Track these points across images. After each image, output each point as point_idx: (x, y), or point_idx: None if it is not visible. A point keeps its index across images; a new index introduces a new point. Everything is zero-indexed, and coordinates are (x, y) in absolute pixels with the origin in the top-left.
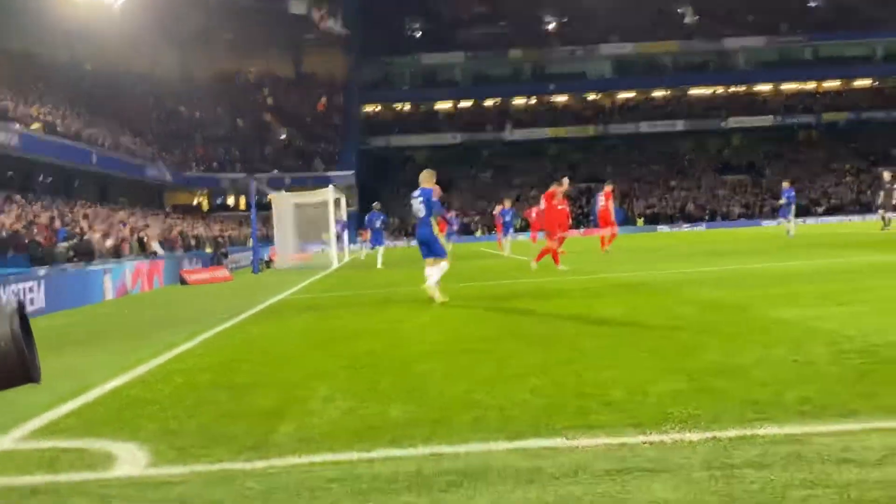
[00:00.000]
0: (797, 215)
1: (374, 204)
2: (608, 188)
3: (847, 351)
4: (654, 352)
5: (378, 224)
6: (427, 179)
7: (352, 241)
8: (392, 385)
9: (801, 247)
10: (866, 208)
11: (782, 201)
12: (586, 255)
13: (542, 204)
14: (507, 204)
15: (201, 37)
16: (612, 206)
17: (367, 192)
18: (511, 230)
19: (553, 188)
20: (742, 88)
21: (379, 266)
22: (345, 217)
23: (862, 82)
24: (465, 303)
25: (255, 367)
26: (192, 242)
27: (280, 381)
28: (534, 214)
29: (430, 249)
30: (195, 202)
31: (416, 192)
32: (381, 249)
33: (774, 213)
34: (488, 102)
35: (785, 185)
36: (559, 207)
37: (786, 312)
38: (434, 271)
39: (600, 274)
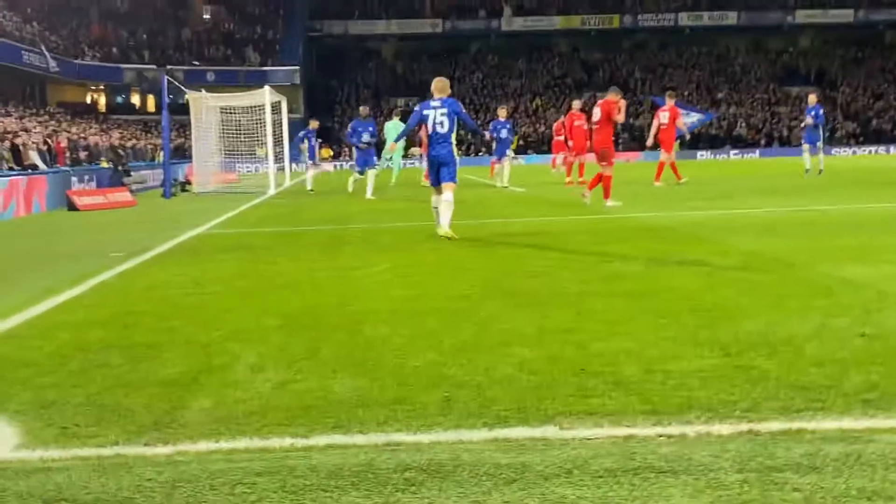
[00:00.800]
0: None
1: (360, 109)
2: (671, 101)
3: None
4: (679, 318)
5: (366, 137)
6: (444, 88)
7: (294, 158)
8: (338, 352)
9: (878, 185)
10: None
11: (808, 121)
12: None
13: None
14: (502, 115)
15: None
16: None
17: (316, 93)
18: (508, 151)
19: (612, 97)
20: None
21: (369, 195)
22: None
23: None
24: (435, 247)
25: (160, 322)
26: (84, 154)
27: (193, 341)
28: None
29: (448, 172)
30: (88, 100)
31: (436, 102)
32: (370, 173)
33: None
34: None
35: (812, 99)
36: (577, 125)
37: (853, 270)
38: (446, 204)
39: (616, 213)
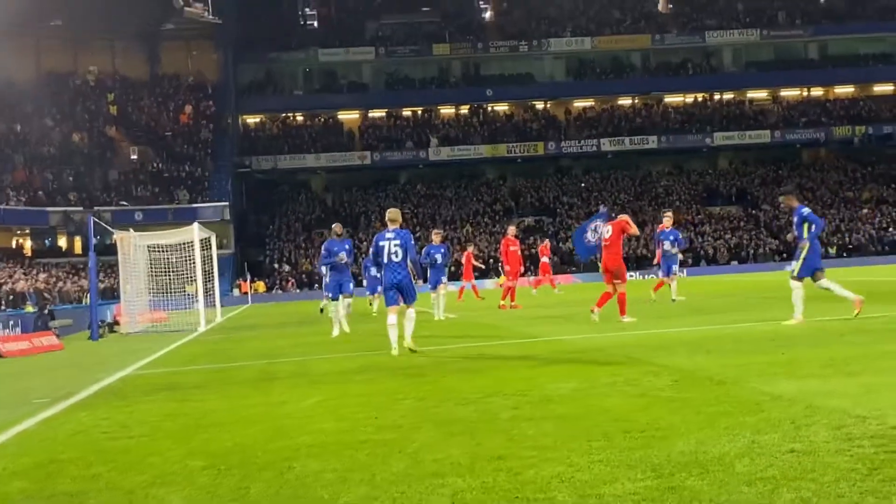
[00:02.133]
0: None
1: (334, 227)
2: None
3: (857, 437)
4: (611, 440)
5: (343, 256)
6: (396, 219)
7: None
8: (267, 491)
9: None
10: (891, 248)
11: (666, 246)
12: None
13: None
14: (437, 239)
15: (23, 24)
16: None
17: (246, 228)
18: (443, 277)
19: (623, 217)
20: (730, 96)
21: (345, 328)
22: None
23: (882, 88)
24: (368, 378)
25: (84, 469)
26: (9, 299)
27: (117, 488)
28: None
29: (406, 295)
30: (13, 245)
31: (390, 233)
32: (344, 301)
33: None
34: (407, 112)
35: (666, 220)
36: (512, 250)
37: (781, 386)
38: (410, 320)
39: (548, 337)
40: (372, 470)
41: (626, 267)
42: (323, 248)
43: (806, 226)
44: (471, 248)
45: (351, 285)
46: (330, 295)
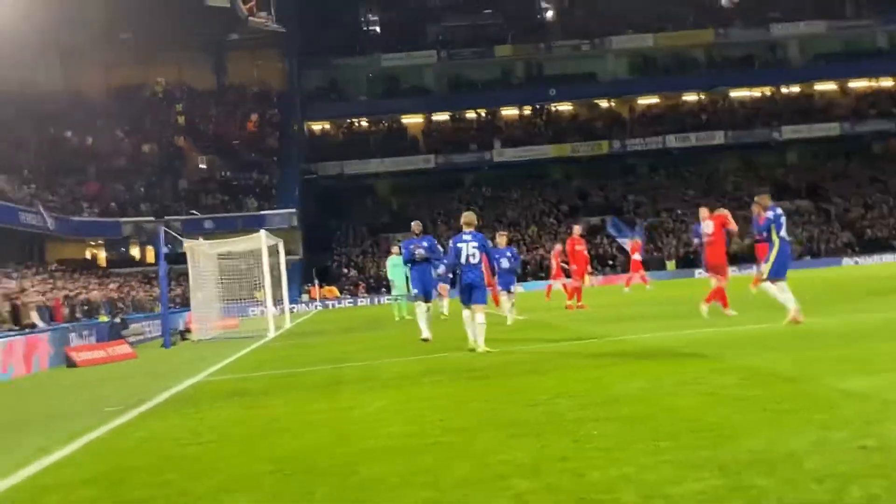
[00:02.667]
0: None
1: (413, 225)
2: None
3: None
4: (678, 440)
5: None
6: (472, 222)
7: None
8: (331, 496)
9: (878, 293)
10: None
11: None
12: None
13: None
14: (502, 241)
15: (93, 40)
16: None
17: (313, 234)
18: (513, 281)
19: (721, 211)
20: (798, 89)
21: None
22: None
23: None
24: (434, 381)
25: (154, 476)
26: (84, 309)
27: (186, 493)
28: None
29: (478, 296)
30: (87, 256)
31: (467, 236)
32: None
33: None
34: (470, 114)
35: (703, 214)
36: (578, 249)
37: (854, 381)
38: (480, 326)
39: (614, 336)
40: (436, 473)
41: (727, 263)
42: (402, 247)
43: (773, 227)
44: (559, 247)
45: (434, 290)
46: (416, 292)
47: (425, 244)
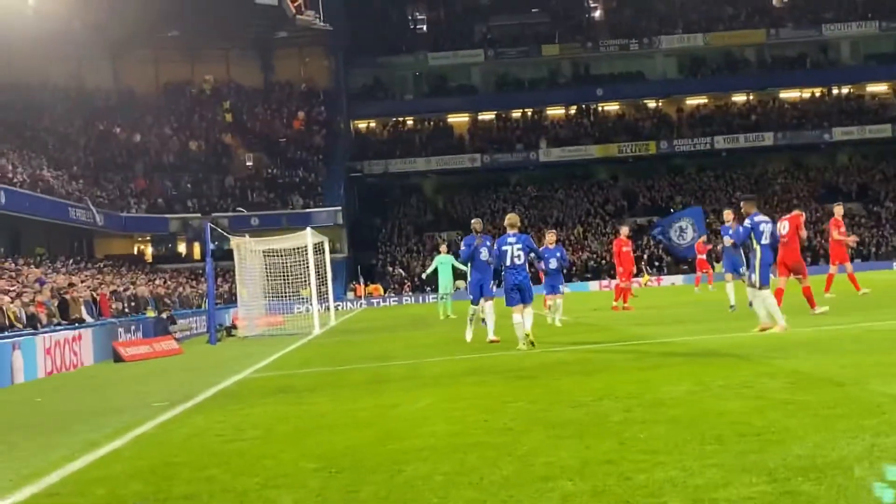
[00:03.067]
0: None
1: (473, 222)
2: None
3: None
4: (725, 443)
5: (484, 254)
6: (515, 223)
7: (339, 297)
8: (377, 494)
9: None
10: None
11: (726, 241)
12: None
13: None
14: (551, 240)
15: (141, 37)
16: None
17: (358, 232)
18: (560, 281)
19: (797, 214)
20: (848, 90)
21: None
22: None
23: None
24: (478, 381)
25: (199, 472)
26: (131, 304)
27: (230, 490)
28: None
29: (526, 295)
30: (135, 251)
31: (512, 238)
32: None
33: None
34: (516, 114)
35: (727, 216)
36: (625, 251)
37: None
38: (529, 314)
39: (660, 338)
40: (481, 473)
41: (804, 262)
42: (462, 243)
43: (752, 235)
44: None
45: (492, 286)
46: (471, 298)
47: (487, 244)
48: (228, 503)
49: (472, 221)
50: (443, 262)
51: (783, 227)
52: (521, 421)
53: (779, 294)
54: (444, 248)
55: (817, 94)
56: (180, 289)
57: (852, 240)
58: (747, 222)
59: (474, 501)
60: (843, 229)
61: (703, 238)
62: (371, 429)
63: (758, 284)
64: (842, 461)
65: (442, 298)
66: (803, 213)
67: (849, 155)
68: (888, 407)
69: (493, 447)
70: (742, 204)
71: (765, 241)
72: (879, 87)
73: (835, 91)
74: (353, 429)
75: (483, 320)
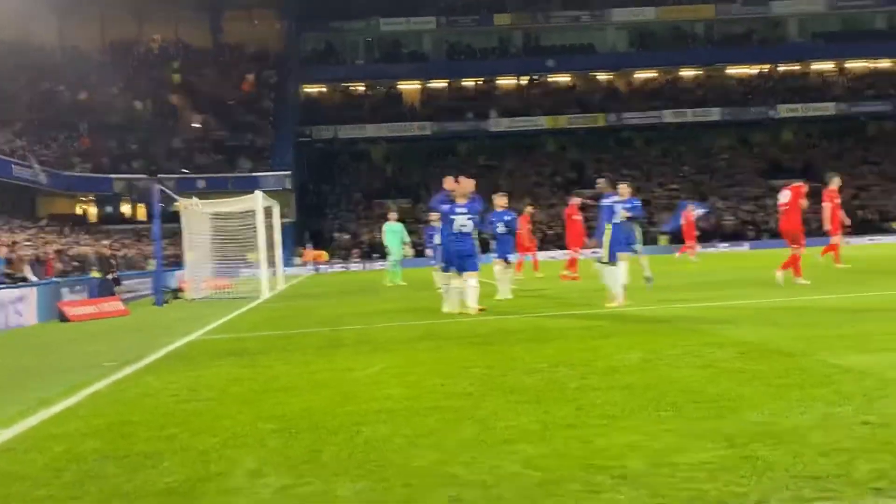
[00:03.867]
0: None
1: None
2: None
3: None
4: (680, 410)
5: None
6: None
7: (287, 262)
8: (339, 455)
9: (874, 273)
10: None
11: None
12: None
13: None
14: (500, 203)
15: None
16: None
17: (306, 197)
18: (509, 248)
19: (800, 185)
20: (795, 67)
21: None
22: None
23: None
24: (433, 346)
25: (156, 431)
26: (75, 265)
27: (190, 449)
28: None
29: (472, 263)
30: (79, 211)
31: (462, 208)
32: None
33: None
34: (467, 83)
35: (623, 191)
36: (574, 219)
37: (854, 359)
38: (473, 289)
39: (612, 308)
40: (442, 436)
41: (803, 232)
42: (436, 207)
43: (603, 213)
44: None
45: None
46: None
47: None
48: (189, 462)
49: (448, 179)
50: (392, 230)
51: (784, 195)
52: (479, 386)
53: (794, 261)
54: (392, 215)
55: (764, 71)
56: (125, 250)
57: (840, 217)
58: (604, 202)
59: (437, 462)
60: (837, 201)
61: (690, 207)
62: (328, 391)
63: (605, 259)
64: (797, 428)
65: (392, 266)
66: (805, 185)
67: (793, 132)
68: (837, 377)
69: (453, 411)
70: (602, 183)
71: (616, 219)
72: (825, 66)
73: (781, 68)
74: (308, 391)
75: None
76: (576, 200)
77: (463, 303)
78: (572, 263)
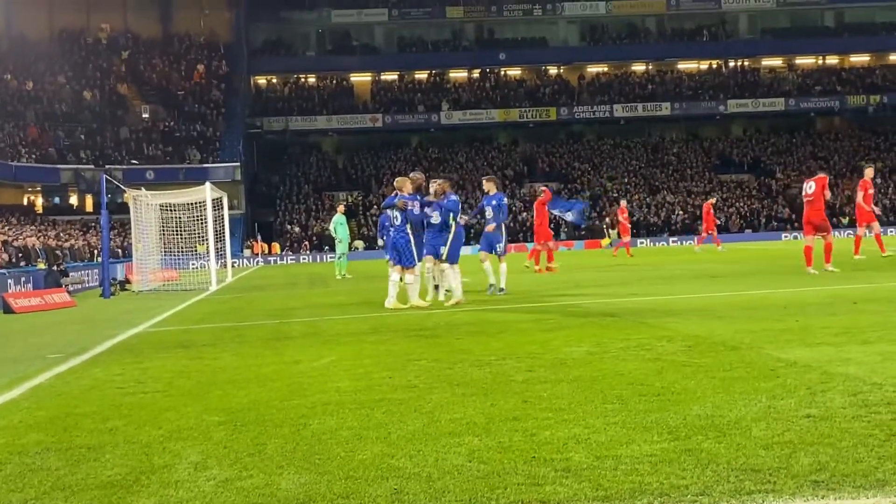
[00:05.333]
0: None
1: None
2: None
3: (874, 404)
4: (626, 403)
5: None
6: (403, 186)
7: (236, 254)
8: (283, 447)
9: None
10: None
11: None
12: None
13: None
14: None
15: None
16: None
17: (256, 189)
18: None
19: (823, 176)
20: (745, 63)
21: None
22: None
23: None
24: (380, 339)
25: (100, 423)
26: (20, 255)
27: (134, 441)
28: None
29: (403, 257)
30: (25, 202)
31: (434, 209)
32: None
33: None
34: (419, 75)
35: (488, 186)
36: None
37: (796, 352)
38: (407, 280)
39: (559, 300)
40: (388, 428)
41: (828, 221)
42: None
43: (451, 214)
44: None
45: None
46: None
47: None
48: (132, 454)
49: (413, 174)
50: (341, 223)
51: (809, 186)
52: (425, 378)
53: (807, 252)
54: (341, 207)
55: (714, 66)
56: (71, 241)
57: (870, 207)
58: (446, 200)
59: (382, 455)
60: (870, 191)
61: (623, 203)
62: (274, 384)
63: (444, 258)
64: (740, 421)
65: (339, 258)
66: (828, 175)
67: (743, 127)
68: (782, 371)
69: (399, 403)
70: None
71: (459, 219)
72: (774, 62)
73: (731, 64)
74: (255, 384)
75: (436, 287)
76: (546, 190)
77: (402, 297)
78: (547, 253)
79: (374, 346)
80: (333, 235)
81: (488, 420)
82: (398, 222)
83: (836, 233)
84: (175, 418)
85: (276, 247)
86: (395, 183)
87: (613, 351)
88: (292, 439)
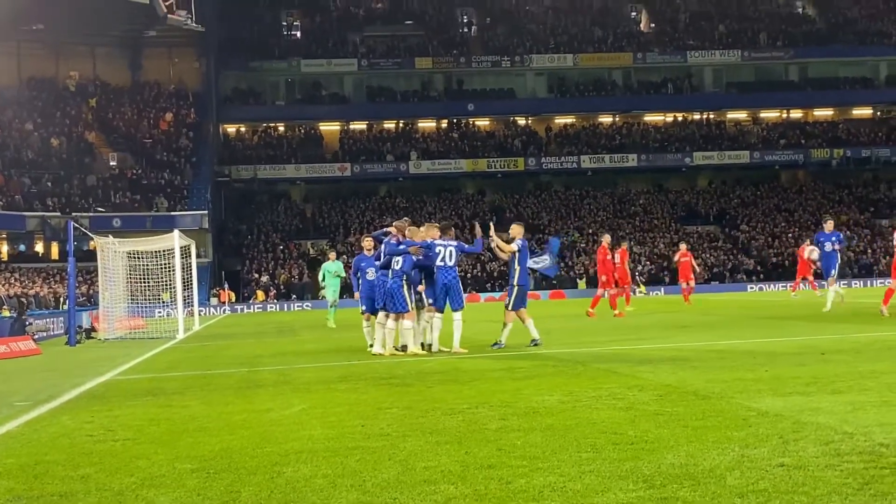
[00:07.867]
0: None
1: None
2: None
3: (846, 452)
4: (600, 451)
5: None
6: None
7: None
8: (258, 495)
9: (785, 318)
10: (867, 270)
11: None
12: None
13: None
14: (366, 247)
15: (3, 29)
16: None
17: (225, 237)
18: (378, 297)
19: None
20: (711, 116)
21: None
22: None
23: (861, 111)
24: (351, 387)
25: (71, 470)
26: None
27: (107, 489)
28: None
29: (388, 304)
30: None
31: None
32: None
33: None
34: (388, 125)
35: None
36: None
37: (768, 402)
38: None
39: (529, 349)
40: (363, 476)
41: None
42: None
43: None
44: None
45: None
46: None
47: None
48: (106, 502)
49: (401, 222)
50: (329, 271)
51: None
52: (399, 427)
53: (889, 294)
54: (332, 255)
55: (680, 119)
56: (36, 289)
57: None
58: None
59: (359, 503)
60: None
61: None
62: (246, 432)
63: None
64: (714, 469)
65: (331, 307)
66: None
67: (708, 179)
68: (753, 420)
69: (373, 451)
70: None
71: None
72: (739, 115)
73: (697, 116)
74: (227, 432)
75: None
76: (606, 239)
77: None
78: (611, 300)
79: (345, 395)
80: (321, 284)
81: (463, 468)
82: (398, 267)
83: None
84: (147, 466)
85: (261, 294)
86: (393, 226)
87: (585, 400)
88: (267, 486)
